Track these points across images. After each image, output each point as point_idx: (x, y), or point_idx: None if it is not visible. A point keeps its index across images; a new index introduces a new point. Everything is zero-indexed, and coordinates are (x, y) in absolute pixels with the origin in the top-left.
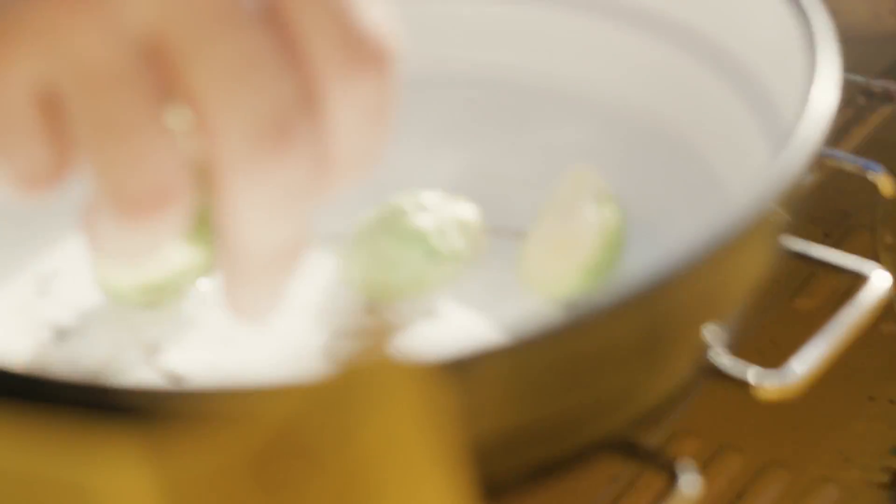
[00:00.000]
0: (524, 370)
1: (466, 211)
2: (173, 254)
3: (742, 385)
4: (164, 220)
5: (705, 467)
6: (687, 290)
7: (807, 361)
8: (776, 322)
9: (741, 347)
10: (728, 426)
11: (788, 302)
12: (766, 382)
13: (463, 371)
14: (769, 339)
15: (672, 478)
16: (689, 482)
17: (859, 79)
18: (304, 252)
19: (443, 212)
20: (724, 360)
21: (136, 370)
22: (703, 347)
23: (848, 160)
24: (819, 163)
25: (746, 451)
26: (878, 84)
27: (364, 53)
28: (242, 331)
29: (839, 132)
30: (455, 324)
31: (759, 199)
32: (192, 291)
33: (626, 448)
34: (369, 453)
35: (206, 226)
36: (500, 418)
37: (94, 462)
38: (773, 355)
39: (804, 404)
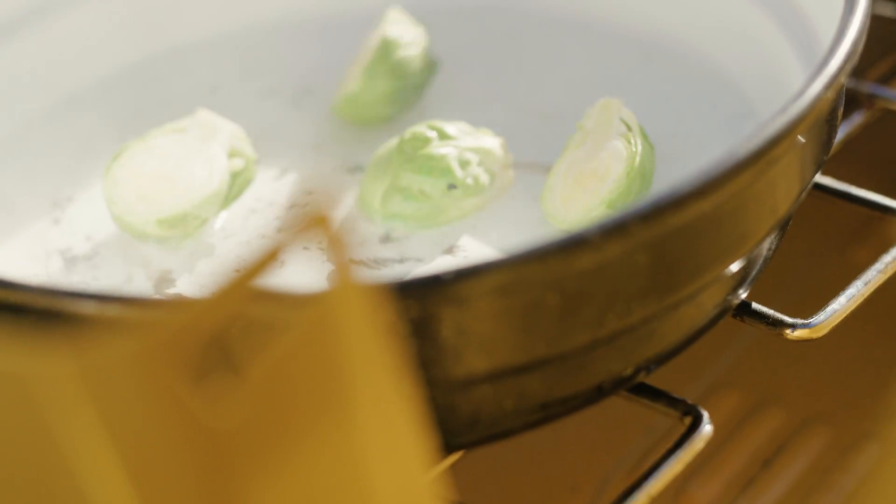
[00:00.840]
0: (517, 292)
1: (491, 142)
2: (191, 187)
3: (770, 325)
4: None
5: (745, 420)
6: (693, 215)
7: (840, 303)
8: (826, 272)
9: (786, 296)
10: (770, 379)
11: (842, 253)
12: (793, 322)
13: (464, 290)
14: (816, 289)
15: (695, 420)
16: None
17: None
18: None
19: (466, 142)
20: (751, 300)
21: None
22: (728, 285)
23: None
24: (869, 102)
25: (788, 405)
26: None
27: None
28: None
29: (893, 72)
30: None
31: (781, 122)
32: (207, 226)
33: (642, 391)
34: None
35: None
36: (501, 350)
37: (29, 354)
38: (818, 305)
39: (848, 359)
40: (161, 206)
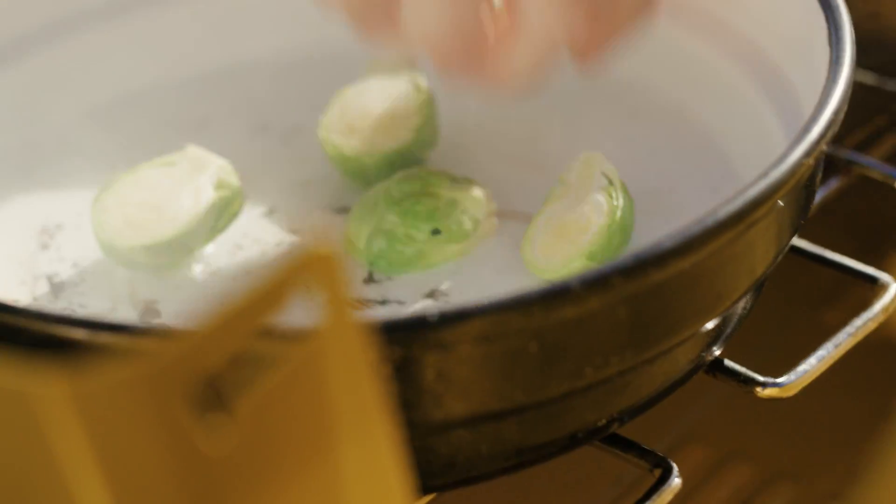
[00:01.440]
0: (499, 339)
1: (476, 191)
2: (178, 215)
3: (741, 383)
4: None
5: (712, 475)
6: (673, 272)
7: (810, 364)
8: (798, 332)
9: (758, 354)
10: (738, 435)
11: (815, 315)
12: (764, 381)
13: (447, 334)
14: (787, 348)
15: (665, 473)
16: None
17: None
18: None
19: (452, 189)
20: (725, 358)
21: None
22: (702, 342)
23: (875, 167)
24: (846, 168)
25: (755, 461)
26: None
27: None
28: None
29: (870, 139)
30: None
31: (762, 186)
32: (195, 257)
33: (614, 441)
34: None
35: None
36: (479, 396)
37: (30, 373)
38: (788, 363)
39: (816, 418)
40: (148, 232)
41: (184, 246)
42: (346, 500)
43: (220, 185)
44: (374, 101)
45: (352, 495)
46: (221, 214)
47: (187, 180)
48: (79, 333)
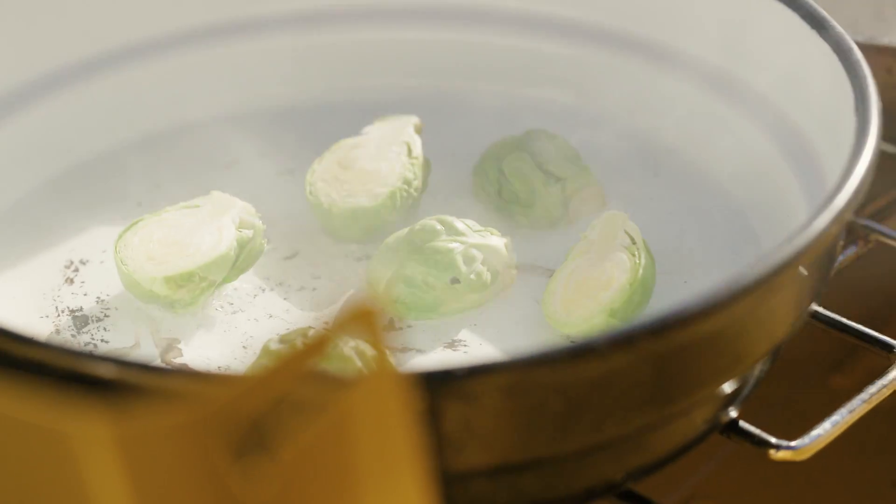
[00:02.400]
0: (524, 393)
1: (497, 241)
2: (199, 250)
3: (755, 444)
4: None
5: None
6: (696, 333)
7: (824, 429)
8: (811, 396)
9: (770, 417)
10: (748, 494)
11: (824, 379)
12: (777, 443)
13: (473, 386)
14: (800, 411)
15: None
16: None
17: None
18: None
19: (473, 239)
20: (740, 419)
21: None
22: (719, 403)
23: (892, 235)
24: (864, 236)
25: None
26: None
27: None
28: (261, 336)
29: (888, 208)
30: (475, 355)
31: (786, 252)
32: (214, 293)
33: (629, 497)
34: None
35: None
36: (501, 447)
37: (71, 415)
38: (803, 428)
39: (827, 480)
40: (169, 265)
41: (203, 280)
42: None
43: (242, 225)
44: (364, 158)
45: None
46: (242, 252)
47: (210, 220)
48: (125, 375)
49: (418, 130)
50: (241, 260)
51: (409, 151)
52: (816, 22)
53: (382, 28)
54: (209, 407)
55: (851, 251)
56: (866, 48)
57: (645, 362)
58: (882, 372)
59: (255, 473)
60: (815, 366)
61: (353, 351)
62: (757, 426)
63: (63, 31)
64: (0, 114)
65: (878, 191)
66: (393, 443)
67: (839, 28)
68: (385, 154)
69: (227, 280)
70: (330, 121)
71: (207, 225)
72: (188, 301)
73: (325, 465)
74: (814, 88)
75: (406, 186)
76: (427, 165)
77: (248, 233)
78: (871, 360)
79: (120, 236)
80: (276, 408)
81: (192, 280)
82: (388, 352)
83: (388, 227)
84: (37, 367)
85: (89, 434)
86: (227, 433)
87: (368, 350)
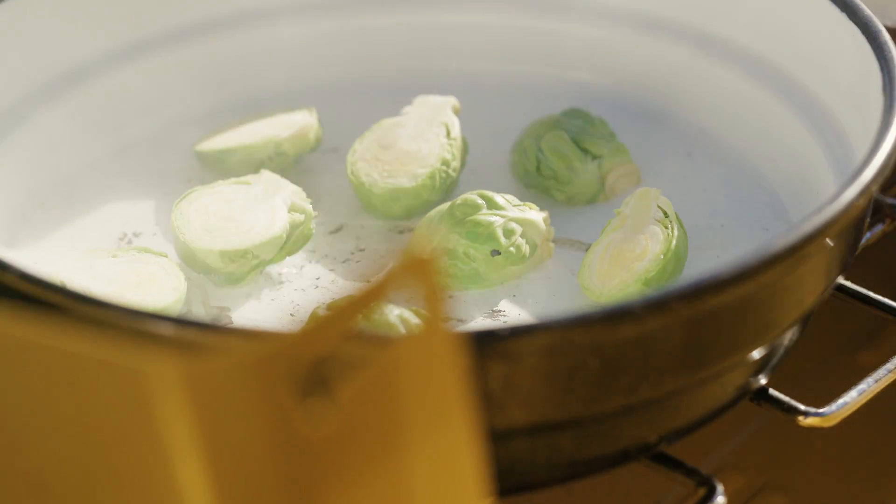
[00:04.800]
0: (563, 354)
1: (535, 216)
2: (254, 229)
3: (784, 411)
4: None
5: (749, 501)
6: (728, 299)
7: (851, 397)
8: (839, 368)
9: (800, 390)
10: (777, 463)
11: (853, 355)
12: (806, 410)
13: (516, 347)
14: (828, 382)
15: (709, 492)
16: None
17: None
18: None
19: (513, 213)
20: (769, 387)
21: None
22: (750, 370)
23: None
24: (891, 214)
25: (791, 493)
26: None
27: None
28: (307, 305)
29: None
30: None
31: (815, 223)
32: (263, 269)
33: (662, 459)
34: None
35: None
36: (541, 406)
37: (144, 354)
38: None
39: (852, 452)
40: (225, 240)
41: (255, 258)
42: (418, 491)
43: (294, 208)
44: (404, 138)
45: (425, 487)
46: (293, 235)
47: (263, 199)
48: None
49: (456, 112)
50: (290, 242)
51: (448, 133)
52: (845, 5)
53: (423, 12)
54: (275, 349)
55: (878, 228)
56: (895, 32)
57: (678, 326)
58: None
59: (317, 411)
60: (844, 342)
61: (398, 319)
62: (793, 396)
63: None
64: (64, 87)
65: None
66: (441, 395)
67: (867, 11)
68: (424, 135)
69: (273, 261)
70: (372, 101)
71: (261, 204)
72: (238, 277)
73: (377, 410)
74: (843, 69)
75: (445, 167)
76: (465, 146)
77: (299, 217)
78: None
79: (176, 205)
80: (334, 354)
81: (246, 257)
82: (439, 306)
83: (427, 206)
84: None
85: (161, 373)
86: (292, 373)
87: (412, 318)
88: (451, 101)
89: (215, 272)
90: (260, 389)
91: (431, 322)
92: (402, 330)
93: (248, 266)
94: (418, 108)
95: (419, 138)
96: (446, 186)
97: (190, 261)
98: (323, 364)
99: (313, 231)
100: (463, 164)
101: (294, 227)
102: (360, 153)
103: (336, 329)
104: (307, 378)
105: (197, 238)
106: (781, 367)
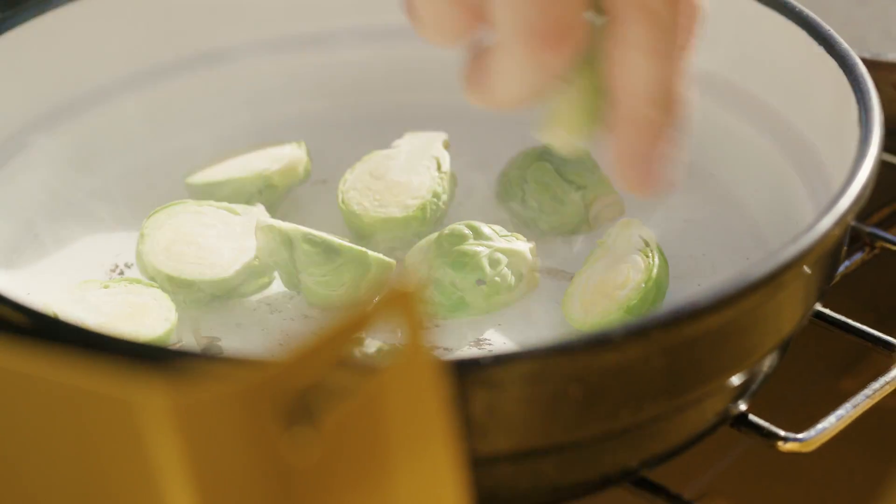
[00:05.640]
0: (545, 381)
1: (521, 246)
2: (211, 265)
3: (764, 437)
4: (561, 56)
5: None
6: (706, 327)
7: (829, 422)
8: (820, 394)
9: (782, 416)
10: (760, 491)
11: (835, 382)
12: (785, 436)
13: (498, 374)
14: (810, 409)
15: None
16: None
17: None
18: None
19: (499, 243)
20: (749, 413)
21: None
22: (730, 395)
23: None
24: (870, 242)
25: None
26: None
27: None
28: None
29: (893, 216)
30: None
31: (791, 251)
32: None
33: (643, 484)
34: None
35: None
36: (523, 433)
37: (134, 386)
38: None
39: (835, 476)
40: (176, 266)
41: (200, 292)
42: None
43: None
44: (395, 170)
45: None
46: (248, 282)
47: (238, 236)
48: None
49: (446, 146)
50: (244, 287)
51: (439, 166)
52: (823, 38)
53: (408, 45)
54: (261, 378)
55: (858, 256)
56: (873, 64)
57: (658, 353)
58: (886, 371)
59: (301, 440)
60: (825, 369)
61: (382, 348)
62: (773, 422)
63: (167, 28)
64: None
65: (885, 200)
66: (425, 423)
67: (844, 44)
68: (416, 167)
69: (229, 297)
70: (359, 133)
71: (235, 240)
72: (185, 304)
73: (361, 438)
74: (821, 101)
75: (435, 199)
76: (454, 180)
77: (258, 266)
78: (879, 362)
79: (155, 211)
80: (319, 382)
81: (191, 288)
82: (422, 336)
83: (416, 237)
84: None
85: (150, 403)
86: (277, 402)
87: (397, 348)
88: (442, 136)
89: (203, 298)
90: (246, 418)
91: (414, 351)
92: (386, 359)
93: (192, 297)
94: (409, 142)
95: (410, 171)
96: (436, 218)
97: (141, 267)
98: (308, 393)
99: (274, 279)
100: (451, 197)
101: (252, 274)
102: (351, 182)
103: (321, 358)
104: (292, 407)
105: (153, 253)
106: (765, 394)
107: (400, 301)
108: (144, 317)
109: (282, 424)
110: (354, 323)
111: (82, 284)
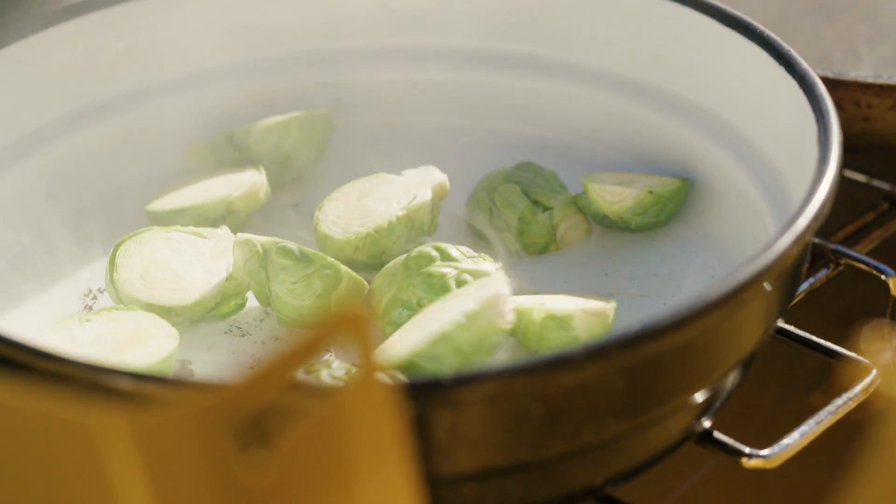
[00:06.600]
0: (507, 401)
1: (488, 267)
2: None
3: (728, 453)
4: None
5: None
6: (665, 346)
7: (793, 438)
8: (788, 410)
9: (752, 432)
10: None
11: (804, 397)
12: (749, 452)
13: (460, 395)
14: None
15: None
16: None
17: (884, 185)
18: None
19: (466, 265)
20: (714, 430)
21: None
22: (693, 413)
23: (861, 260)
24: (834, 259)
25: None
26: None
27: None
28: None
29: (858, 233)
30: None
31: (750, 270)
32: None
33: (609, 502)
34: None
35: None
36: (487, 452)
37: (93, 410)
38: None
39: (801, 492)
40: (153, 293)
41: (179, 317)
42: None
43: (231, 278)
44: (377, 195)
45: None
46: (221, 304)
47: (208, 259)
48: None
49: (443, 191)
50: (219, 307)
51: (407, 205)
52: (784, 59)
53: (378, 69)
54: (216, 401)
55: (822, 273)
56: (836, 83)
57: (618, 373)
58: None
59: (256, 462)
60: (795, 384)
61: (337, 370)
62: (739, 439)
63: (129, 58)
64: (24, 153)
65: (849, 217)
66: (383, 445)
67: (805, 64)
68: (390, 199)
69: (201, 320)
70: (327, 156)
71: (205, 263)
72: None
73: (317, 459)
74: (782, 120)
75: (376, 234)
76: (422, 218)
77: (234, 286)
78: (845, 375)
79: (124, 240)
80: (273, 405)
81: (170, 314)
82: (370, 360)
83: (351, 263)
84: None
85: (111, 428)
86: (232, 426)
87: (352, 369)
88: (442, 179)
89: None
90: (202, 441)
91: (369, 373)
92: (342, 381)
93: (171, 321)
94: (415, 174)
95: (385, 199)
96: (374, 252)
97: (119, 296)
98: (263, 415)
99: (246, 303)
100: (413, 233)
101: (225, 296)
102: (345, 192)
103: (276, 381)
104: (247, 429)
105: (129, 282)
106: (734, 410)
107: (354, 324)
108: (148, 339)
109: (237, 446)
110: (310, 346)
111: (62, 322)
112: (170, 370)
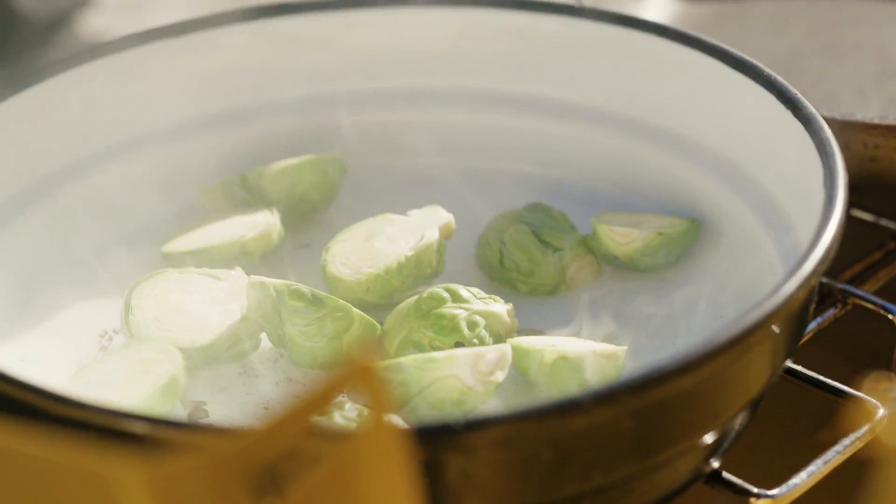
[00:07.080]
0: (517, 445)
1: (499, 308)
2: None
3: (737, 493)
4: None
5: None
6: (674, 390)
7: (801, 478)
8: (795, 449)
9: (761, 470)
10: None
11: (813, 436)
12: (758, 492)
13: (471, 439)
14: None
15: None
16: None
17: (892, 225)
18: None
19: (477, 306)
20: (722, 470)
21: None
22: (701, 454)
23: (868, 299)
24: (842, 299)
25: None
26: None
27: None
28: (280, 399)
29: (866, 272)
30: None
31: (757, 314)
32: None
33: None
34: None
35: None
36: (497, 496)
37: (108, 458)
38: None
39: None
40: (169, 334)
41: (192, 359)
42: None
43: (245, 318)
44: (385, 236)
45: None
46: (233, 347)
47: (222, 301)
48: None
49: (449, 230)
50: (233, 350)
51: (415, 245)
52: (790, 102)
53: (384, 111)
54: (229, 453)
55: (830, 313)
56: (844, 124)
57: (628, 416)
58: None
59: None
60: (803, 422)
61: (352, 416)
62: (747, 478)
63: (143, 100)
64: (39, 196)
65: (857, 256)
66: (394, 489)
67: (811, 107)
68: (398, 240)
69: (214, 362)
70: (354, 197)
71: (218, 305)
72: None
73: None
74: (788, 163)
75: (386, 275)
76: (429, 258)
77: (245, 329)
78: (852, 414)
79: (139, 283)
80: (287, 454)
81: (185, 355)
82: (383, 406)
83: (361, 304)
84: (81, 424)
85: (126, 477)
86: (245, 476)
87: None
88: (448, 219)
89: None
90: (217, 491)
91: (381, 420)
92: (354, 422)
93: (185, 362)
94: (420, 214)
95: (393, 240)
96: (385, 293)
97: (134, 336)
98: (276, 464)
99: (260, 343)
100: (440, 265)
101: (239, 338)
102: (351, 233)
103: (290, 428)
104: (261, 478)
105: (144, 323)
106: (742, 450)
107: (366, 369)
108: (152, 367)
109: (252, 496)
110: (324, 393)
111: (79, 372)
112: (177, 393)
